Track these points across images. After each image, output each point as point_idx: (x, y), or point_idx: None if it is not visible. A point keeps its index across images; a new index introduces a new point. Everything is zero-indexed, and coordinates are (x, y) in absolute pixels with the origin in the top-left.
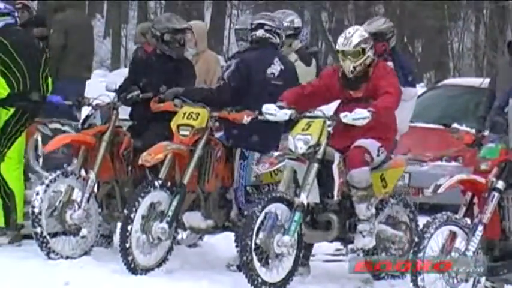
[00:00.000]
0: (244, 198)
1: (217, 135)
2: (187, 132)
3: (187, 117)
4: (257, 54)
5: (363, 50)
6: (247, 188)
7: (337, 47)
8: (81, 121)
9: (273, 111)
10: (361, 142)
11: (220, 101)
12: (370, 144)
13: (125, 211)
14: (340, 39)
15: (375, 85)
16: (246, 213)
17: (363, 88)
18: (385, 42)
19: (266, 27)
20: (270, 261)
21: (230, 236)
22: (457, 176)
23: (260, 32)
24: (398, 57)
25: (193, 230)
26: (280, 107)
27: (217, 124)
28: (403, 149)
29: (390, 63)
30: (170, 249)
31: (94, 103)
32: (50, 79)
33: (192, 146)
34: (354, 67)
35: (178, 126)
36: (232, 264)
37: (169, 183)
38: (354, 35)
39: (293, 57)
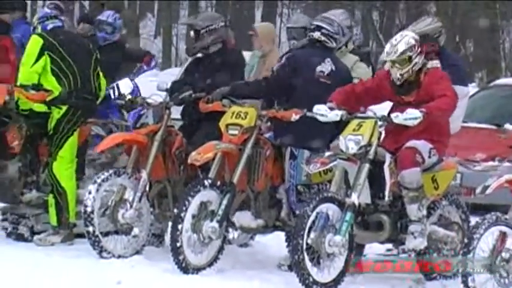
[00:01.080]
0: (296, 198)
1: (267, 135)
2: (236, 132)
3: (235, 117)
4: (309, 52)
5: (409, 57)
6: (299, 187)
7: (383, 56)
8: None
9: (324, 112)
10: (412, 143)
11: (266, 92)
12: (422, 145)
13: (175, 210)
14: (387, 47)
15: (428, 90)
16: (297, 212)
17: (414, 93)
18: (434, 42)
19: (323, 31)
20: (321, 261)
21: (281, 235)
22: (505, 176)
23: (317, 34)
24: (447, 56)
25: (244, 229)
26: (331, 108)
27: (268, 124)
28: (454, 149)
29: (436, 62)
30: (221, 249)
31: (146, 102)
32: (103, 78)
33: (241, 145)
34: (401, 74)
35: (227, 125)
36: (283, 263)
37: (218, 183)
38: (400, 42)
39: (353, 58)
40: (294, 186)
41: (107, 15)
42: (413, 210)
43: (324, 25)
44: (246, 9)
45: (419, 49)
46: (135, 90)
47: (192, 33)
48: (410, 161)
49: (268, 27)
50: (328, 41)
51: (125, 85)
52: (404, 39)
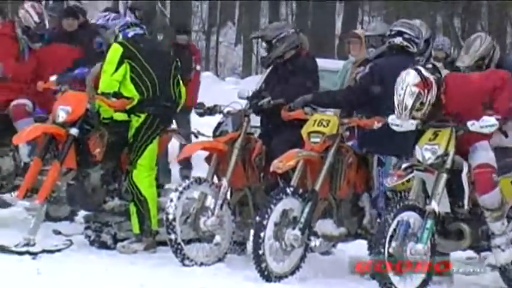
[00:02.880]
0: (384, 204)
1: (350, 143)
2: (318, 139)
3: (317, 125)
4: (392, 60)
5: (421, 103)
6: (388, 193)
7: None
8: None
9: (398, 122)
10: (483, 158)
11: (349, 101)
12: (489, 155)
13: (257, 218)
14: (396, 106)
15: (453, 95)
16: (378, 220)
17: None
18: (489, 62)
19: (405, 36)
20: (403, 269)
21: (363, 243)
22: None
23: (398, 40)
24: (508, 63)
25: (326, 237)
26: None
27: (347, 133)
28: None
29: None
30: (303, 257)
31: (225, 110)
32: (182, 86)
33: (323, 152)
34: (423, 115)
35: (309, 133)
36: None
37: (301, 190)
38: (406, 96)
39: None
40: (382, 193)
41: (98, 17)
42: (497, 226)
43: (404, 30)
44: (326, 16)
45: (426, 85)
46: None
47: (264, 44)
48: (489, 185)
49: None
50: (410, 45)
51: None
52: (407, 91)
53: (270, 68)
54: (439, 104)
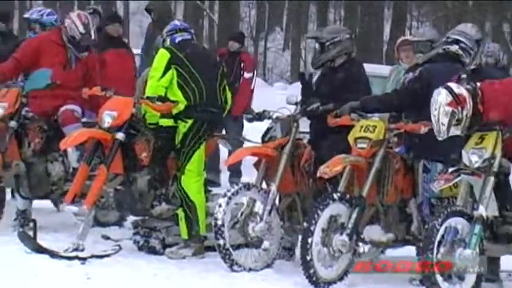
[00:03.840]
0: (429, 211)
1: (397, 150)
2: (364, 145)
3: (364, 130)
4: (443, 66)
5: (457, 120)
6: (432, 200)
7: None
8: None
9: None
10: None
11: (397, 106)
12: None
13: (305, 224)
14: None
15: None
16: (426, 226)
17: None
18: None
19: (462, 45)
20: (452, 275)
21: (412, 249)
22: None
23: (454, 48)
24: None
25: (374, 243)
26: None
27: (395, 139)
28: None
29: None
30: (351, 262)
31: (274, 116)
32: (229, 92)
33: (370, 158)
34: (462, 132)
35: (355, 139)
36: (415, 278)
37: (348, 196)
38: (441, 116)
39: None
40: (427, 200)
41: (31, 13)
42: None
43: (462, 39)
44: (374, 21)
45: (459, 103)
46: None
47: (317, 45)
48: None
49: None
50: (465, 55)
51: None
52: (441, 112)
53: (319, 73)
54: (477, 114)
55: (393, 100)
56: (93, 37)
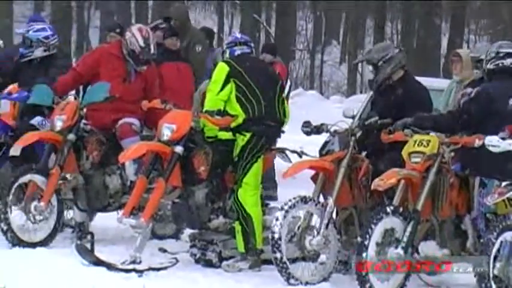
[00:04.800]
0: (485, 226)
1: (452, 167)
2: (418, 159)
3: (418, 145)
4: (500, 83)
5: None
6: (487, 215)
7: None
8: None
9: (495, 143)
10: None
11: (452, 126)
12: None
13: (359, 238)
14: None
15: None
16: (481, 240)
17: None
18: None
19: None
20: None
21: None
22: None
23: (508, 61)
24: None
25: (429, 259)
26: (503, 138)
27: (452, 154)
28: None
29: None
30: (407, 276)
31: (332, 129)
32: (287, 105)
33: (424, 172)
34: None
35: (409, 154)
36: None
37: (402, 209)
38: None
39: None
40: (482, 215)
41: (23, 27)
42: None
43: None
44: (432, 35)
45: None
46: None
47: (370, 67)
48: None
49: (468, 53)
50: None
51: None
52: None
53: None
54: None
55: (447, 121)
56: (152, 51)
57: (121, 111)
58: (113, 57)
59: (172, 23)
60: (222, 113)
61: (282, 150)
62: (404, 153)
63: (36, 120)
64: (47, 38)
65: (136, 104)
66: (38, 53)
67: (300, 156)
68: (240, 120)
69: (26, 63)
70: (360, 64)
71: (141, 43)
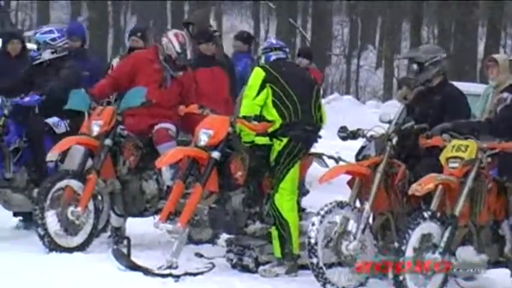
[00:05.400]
0: None
1: (490, 172)
2: (456, 164)
3: (456, 150)
4: None
5: None
6: None
7: None
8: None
9: None
10: None
11: (489, 133)
12: None
13: (396, 244)
14: None
15: None
16: None
17: None
18: None
19: None
20: None
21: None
22: None
23: None
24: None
25: (466, 264)
26: None
27: (489, 159)
28: None
29: None
30: (445, 281)
31: (368, 134)
32: (324, 110)
33: (462, 178)
34: None
35: (447, 159)
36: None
37: (439, 214)
38: None
39: None
40: None
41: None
42: None
43: None
44: (468, 40)
45: None
46: None
47: (414, 66)
48: None
49: (504, 58)
50: None
51: None
52: None
53: (415, 92)
54: None
55: (486, 129)
56: (189, 56)
57: (157, 117)
58: (149, 62)
59: (191, 29)
60: (259, 118)
61: (318, 155)
62: (442, 158)
63: (52, 120)
64: (53, 40)
65: (172, 109)
66: (46, 55)
67: (337, 162)
68: (276, 125)
69: (37, 66)
70: (396, 69)
71: (178, 48)
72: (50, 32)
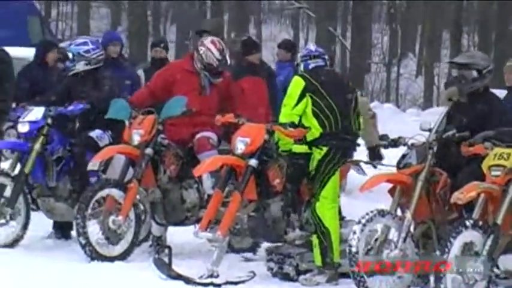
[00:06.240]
0: None
1: None
2: (498, 173)
3: (498, 158)
4: None
5: None
6: None
7: None
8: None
9: None
10: None
11: None
12: None
13: (437, 252)
14: None
15: None
16: None
17: None
18: None
19: None
20: None
21: None
22: None
23: None
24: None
25: (509, 273)
26: None
27: None
28: None
29: None
30: None
31: (410, 142)
32: (361, 117)
33: (505, 186)
34: None
35: (489, 167)
36: None
37: (481, 223)
38: None
39: None
40: None
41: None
42: None
43: None
44: (509, 48)
45: None
46: (39, 122)
47: (475, 73)
48: None
49: None
50: None
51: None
52: None
53: (453, 102)
54: None
55: None
56: (228, 62)
57: (198, 125)
58: (185, 72)
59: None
60: (295, 125)
61: (357, 163)
62: (484, 166)
63: (96, 133)
64: (87, 52)
65: (213, 117)
66: (80, 66)
67: (375, 168)
68: (316, 134)
69: (74, 77)
70: (436, 77)
71: (218, 56)
72: (84, 43)
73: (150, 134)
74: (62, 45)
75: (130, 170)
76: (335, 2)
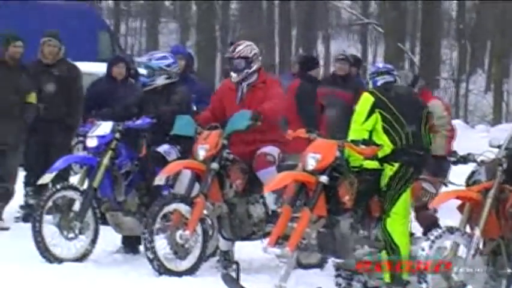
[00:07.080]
0: None
1: None
2: None
3: None
4: None
5: None
6: None
7: None
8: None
9: None
10: None
11: None
12: None
13: (508, 270)
14: None
15: None
16: None
17: None
18: None
19: None
20: None
21: None
22: None
23: None
24: None
25: None
26: None
27: None
28: None
29: None
30: None
31: (479, 159)
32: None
33: None
34: None
35: None
36: None
37: None
38: None
39: None
40: None
41: (145, 56)
42: None
43: None
44: None
45: None
46: (107, 137)
47: None
48: None
49: None
50: None
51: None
52: None
53: None
54: None
55: None
56: (242, 55)
57: (254, 143)
58: (227, 86)
59: None
60: (367, 142)
61: (428, 179)
62: None
63: (163, 148)
64: (169, 66)
65: (270, 131)
66: (160, 81)
67: (445, 185)
68: (387, 150)
69: (148, 92)
70: (505, 93)
71: (231, 50)
72: (164, 57)
73: (216, 148)
74: (138, 59)
75: (197, 185)
76: (404, 17)
